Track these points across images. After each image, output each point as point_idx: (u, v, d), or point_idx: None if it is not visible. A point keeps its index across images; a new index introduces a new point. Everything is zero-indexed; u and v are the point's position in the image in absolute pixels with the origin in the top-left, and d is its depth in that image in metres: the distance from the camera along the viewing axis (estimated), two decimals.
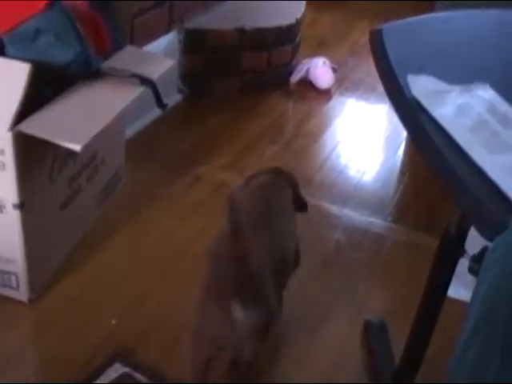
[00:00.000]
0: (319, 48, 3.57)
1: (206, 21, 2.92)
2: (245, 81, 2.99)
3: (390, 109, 3.11)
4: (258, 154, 2.65)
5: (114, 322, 1.83)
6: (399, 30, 1.21)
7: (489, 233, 0.83)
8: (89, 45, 1.96)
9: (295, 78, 3.12)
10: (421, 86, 1.03)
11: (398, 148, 2.85)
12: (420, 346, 1.60)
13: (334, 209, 2.40)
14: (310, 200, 2.41)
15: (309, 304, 1.98)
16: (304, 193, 1.96)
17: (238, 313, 1.37)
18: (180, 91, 2.92)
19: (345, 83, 3.29)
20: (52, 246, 1.94)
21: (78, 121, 1.73)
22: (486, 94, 1.08)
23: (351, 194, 2.50)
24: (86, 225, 2.12)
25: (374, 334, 1.86)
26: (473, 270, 1.41)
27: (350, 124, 3.02)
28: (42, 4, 1.81)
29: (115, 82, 1.90)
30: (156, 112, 2.50)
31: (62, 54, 1.82)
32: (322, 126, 2.96)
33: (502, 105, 1.06)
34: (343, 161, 2.71)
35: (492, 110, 1.04)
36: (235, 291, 1.37)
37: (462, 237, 1.42)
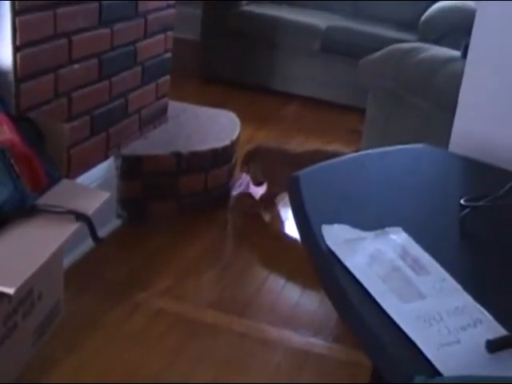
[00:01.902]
0: None
1: (142, 146, 2.99)
2: (182, 204, 3.03)
3: None
4: (196, 278, 2.67)
5: None
6: (316, 175, 1.27)
7: None
8: (23, 182, 1.99)
9: (235, 191, 3.19)
10: (334, 236, 1.08)
11: None
12: None
13: (274, 331, 2.42)
14: (250, 323, 2.44)
15: None
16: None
17: None
18: (119, 216, 2.95)
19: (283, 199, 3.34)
20: None
21: (12, 261, 1.74)
22: (398, 237, 1.13)
23: (291, 315, 2.52)
24: (23, 361, 2.09)
25: None
26: None
27: (288, 243, 3.07)
28: None
29: (50, 218, 1.93)
30: (88, 243, 2.52)
31: None
32: (260, 247, 3.01)
33: (413, 248, 1.12)
34: (282, 281, 2.73)
35: (404, 254, 1.09)
36: None
37: None
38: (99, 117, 2.71)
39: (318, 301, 2.66)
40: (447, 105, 2.33)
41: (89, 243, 2.64)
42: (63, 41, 2.41)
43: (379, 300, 0.98)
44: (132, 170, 2.91)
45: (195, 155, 3.01)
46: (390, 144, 1.61)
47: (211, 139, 3.15)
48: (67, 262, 2.50)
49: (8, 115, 2.14)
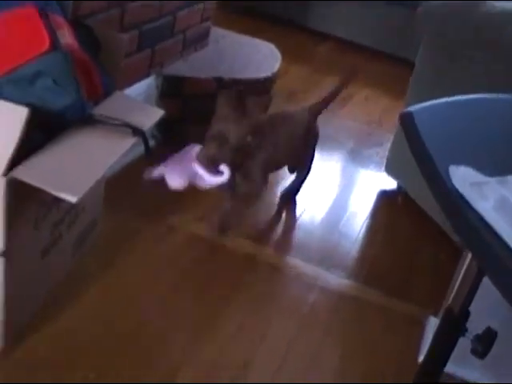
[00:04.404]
0: (289, 100, 3.61)
1: (184, 68, 2.91)
2: None
3: (356, 167, 3.13)
4: None
5: (91, 375, 1.77)
6: (429, 113, 1.22)
7: None
8: (83, 89, 1.92)
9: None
10: (461, 178, 1.03)
11: (370, 210, 2.89)
12: None
13: (310, 268, 2.39)
14: (286, 258, 2.42)
15: (285, 368, 1.96)
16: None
17: None
18: (153, 137, 2.88)
19: None
20: (29, 296, 1.88)
21: (73, 170, 1.69)
22: None
23: (326, 254, 2.50)
24: (63, 273, 2.06)
25: None
26: (476, 351, 1.41)
27: (321, 183, 3.03)
28: (45, 45, 1.77)
29: (108, 130, 1.86)
30: (127, 157, 2.45)
31: (60, 99, 1.77)
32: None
33: None
34: (316, 220, 2.70)
35: None
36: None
37: (465, 316, 1.43)
38: (147, 32, 2.63)
39: (351, 243, 2.63)
40: None
41: (121, 161, 2.59)
42: None
43: None
44: (172, 90, 2.85)
45: (236, 82, 2.94)
46: (440, 97, 1.55)
47: (252, 68, 3.08)
48: None
49: (67, 19, 2.06)
